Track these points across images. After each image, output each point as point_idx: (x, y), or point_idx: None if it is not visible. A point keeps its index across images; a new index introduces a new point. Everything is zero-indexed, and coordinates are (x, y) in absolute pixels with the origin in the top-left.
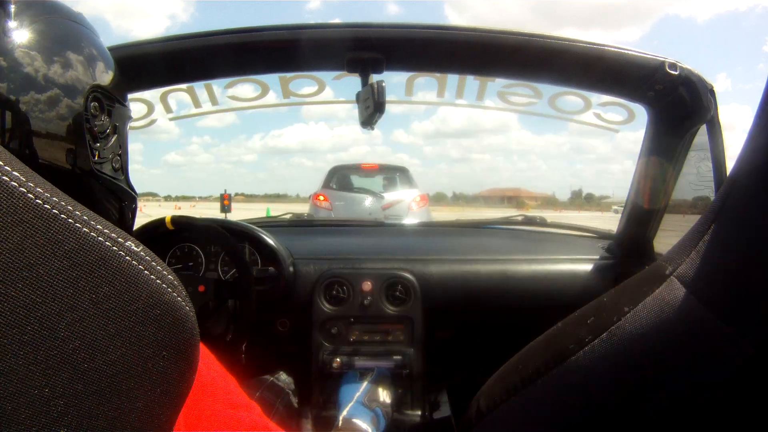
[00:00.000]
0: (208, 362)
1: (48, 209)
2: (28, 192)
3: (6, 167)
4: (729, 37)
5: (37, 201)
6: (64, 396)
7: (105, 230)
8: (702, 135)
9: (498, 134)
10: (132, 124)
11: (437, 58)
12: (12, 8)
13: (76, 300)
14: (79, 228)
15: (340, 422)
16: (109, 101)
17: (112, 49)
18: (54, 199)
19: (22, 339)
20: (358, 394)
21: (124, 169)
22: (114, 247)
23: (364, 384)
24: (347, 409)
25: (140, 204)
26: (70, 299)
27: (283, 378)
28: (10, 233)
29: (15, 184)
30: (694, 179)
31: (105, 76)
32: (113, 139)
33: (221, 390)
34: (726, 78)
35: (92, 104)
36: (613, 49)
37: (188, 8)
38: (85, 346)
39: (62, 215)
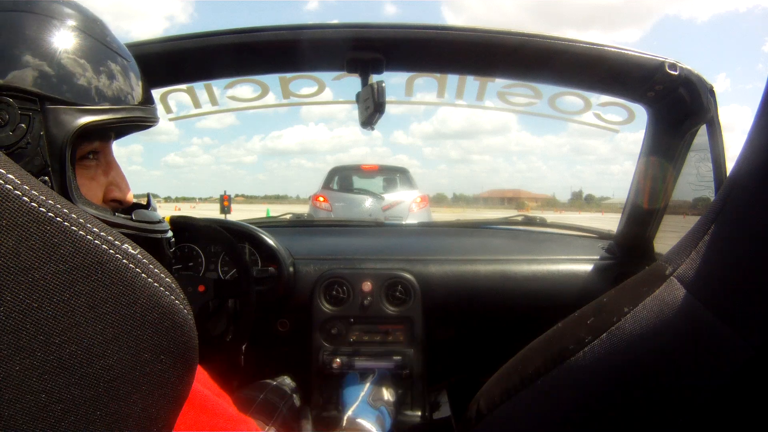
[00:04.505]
0: (202, 380)
1: (43, 212)
2: (24, 195)
3: (1, 170)
4: (729, 38)
5: (33, 204)
6: (62, 401)
7: (101, 233)
8: (702, 135)
9: (497, 135)
10: None
11: (437, 59)
12: None
13: (72, 304)
14: (74, 231)
15: (345, 422)
16: (30, 104)
17: None
18: (49, 202)
19: (18, 344)
20: (362, 393)
21: (65, 191)
22: (111, 250)
23: (368, 384)
24: (353, 408)
25: None
26: (66, 303)
27: (287, 381)
28: (6, 237)
29: (10, 187)
30: (694, 179)
31: (29, 73)
32: (33, 152)
33: (218, 406)
34: (726, 78)
35: None
36: (613, 49)
37: (187, 8)
38: (81, 351)
39: (58, 218)
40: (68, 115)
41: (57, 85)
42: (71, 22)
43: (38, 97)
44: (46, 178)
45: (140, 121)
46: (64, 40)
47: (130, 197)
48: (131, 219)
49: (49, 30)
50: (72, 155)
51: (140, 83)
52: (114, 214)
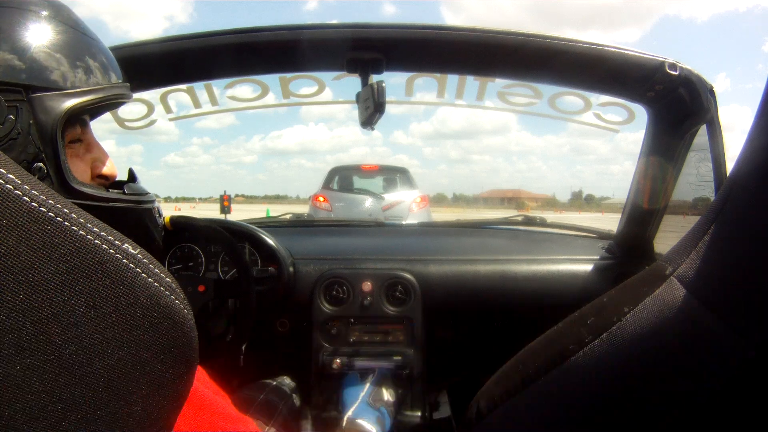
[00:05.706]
0: (202, 379)
1: (44, 212)
2: (24, 195)
3: (1, 170)
4: (729, 38)
5: (33, 204)
6: (62, 401)
7: (102, 233)
8: (702, 135)
9: (497, 135)
10: (132, 124)
11: (437, 59)
12: None
13: (73, 304)
14: (75, 231)
15: (345, 422)
16: (15, 95)
17: (112, 50)
18: (50, 202)
19: (19, 344)
20: (362, 394)
21: (60, 175)
22: (111, 250)
23: (368, 384)
24: (353, 409)
25: None
26: (66, 303)
27: (287, 381)
28: (6, 237)
29: (10, 187)
30: (694, 179)
31: (9, 66)
32: (25, 141)
33: (218, 405)
34: (726, 78)
35: None
36: (612, 49)
37: (187, 8)
38: (81, 351)
39: (58, 218)
40: (53, 100)
41: (38, 73)
42: (42, 11)
43: (23, 88)
44: (41, 164)
45: (120, 98)
46: (38, 29)
47: (115, 171)
48: (124, 193)
49: (21, 21)
50: (62, 139)
51: (109, 62)
52: (107, 191)
